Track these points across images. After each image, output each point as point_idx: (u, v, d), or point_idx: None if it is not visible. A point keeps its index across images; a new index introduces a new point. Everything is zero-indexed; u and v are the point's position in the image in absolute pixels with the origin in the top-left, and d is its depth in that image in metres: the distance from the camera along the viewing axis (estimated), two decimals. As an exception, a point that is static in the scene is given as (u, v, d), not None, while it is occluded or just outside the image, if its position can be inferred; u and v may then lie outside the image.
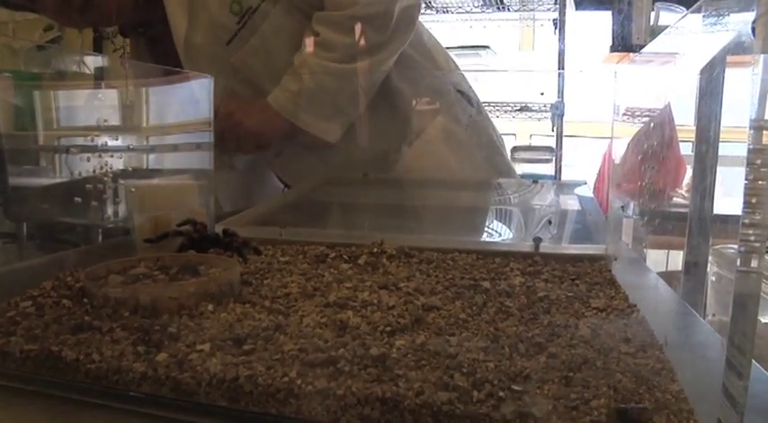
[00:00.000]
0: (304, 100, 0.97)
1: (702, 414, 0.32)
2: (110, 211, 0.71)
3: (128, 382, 0.36)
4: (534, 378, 0.35)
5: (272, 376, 0.34)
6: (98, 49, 3.56)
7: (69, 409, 0.36)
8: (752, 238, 0.32)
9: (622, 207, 0.69)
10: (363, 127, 1.03)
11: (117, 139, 0.69)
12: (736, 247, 0.32)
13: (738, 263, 0.32)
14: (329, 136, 1.00)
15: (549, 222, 0.79)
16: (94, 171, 0.65)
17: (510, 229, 0.84)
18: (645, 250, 0.98)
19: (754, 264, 0.32)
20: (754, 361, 0.32)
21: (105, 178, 0.67)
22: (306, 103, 0.97)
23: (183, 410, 0.35)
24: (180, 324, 0.41)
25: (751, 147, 0.32)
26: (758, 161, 0.32)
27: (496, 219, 0.92)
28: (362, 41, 0.96)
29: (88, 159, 0.65)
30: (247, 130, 1.00)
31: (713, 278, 1.28)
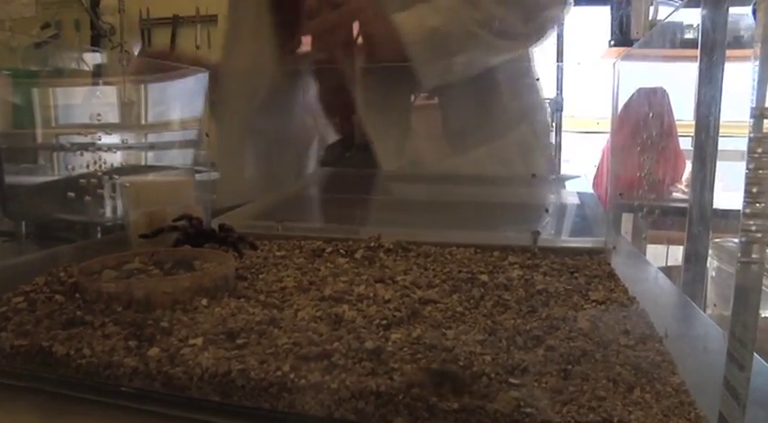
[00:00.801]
0: (428, 36, 0.93)
1: (704, 406, 0.31)
2: (107, 207, 0.70)
3: (119, 377, 0.35)
4: (532, 371, 0.34)
5: (265, 370, 0.33)
6: (96, 46, 3.56)
7: (60, 404, 0.36)
8: (753, 228, 0.31)
9: (621, 194, 0.68)
10: (452, 100, 1.00)
11: (110, 134, 0.68)
12: (736, 240, 0.32)
13: (739, 254, 0.31)
14: (425, 80, 0.96)
15: (546, 211, 0.78)
16: (88, 166, 0.65)
17: (507, 222, 0.83)
18: (644, 243, 0.98)
19: (755, 254, 0.31)
20: (755, 353, 0.32)
21: (100, 173, 0.66)
22: (427, 41, 0.93)
23: (175, 405, 0.34)
24: (173, 318, 0.41)
25: (752, 135, 0.31)
26: (759, 150, 0.31)
27: (494, 212, 0.91)
28: (510, 18, 0.95)
29: (81, 154, 0.65)
30: (365, 34, 0.96)
31: (713, 273, 1.27)
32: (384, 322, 0.40)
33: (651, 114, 0.67)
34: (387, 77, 1.00)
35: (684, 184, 1.68)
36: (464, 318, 0.43)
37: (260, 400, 0.33)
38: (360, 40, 0.96)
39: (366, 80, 1.03)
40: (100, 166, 0.65)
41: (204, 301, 0.45)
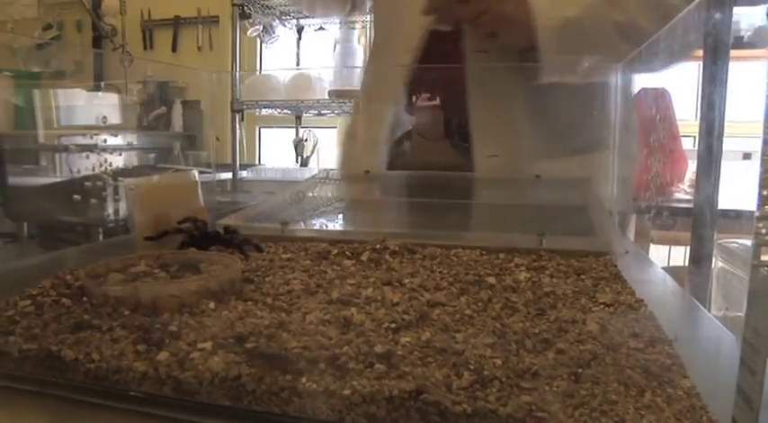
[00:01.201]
0: (562, 25, 0.88)
1: (716, 410, 0.31)
2: (110, 208, 0.70)
3: (128, 382, 0.35)
4: (543, 375, 0.34)
5: (275, 374, 0.33)
6: (97, 47, 3.57)
7: (69, 409, 0.36)
8: (764, 231, 0.31)
9: (634, 199, 0.68)
10: (559, 102, 0.95)
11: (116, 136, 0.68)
12: (740, 241, 0.32)
13: (752, 257, 0.31)
14: (546, 71, 0.91)
15: (556, 217, 0.78)
16: (94, 169, 0.65)
17: (512, 224, 0.83)
18: (648, 244, 0.97)
19: (766, 257, 0.31)
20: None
21: (106, 176, 0.66)
22: (559, 28, 0.88)
23: (185, 410, 0.34)
24: (181, 322, 0.41)
25: (765, 138, 0.31)
26: (771, 153, 0.31)
27: (499, 214, 0.91)
28: (652, 32, 0.85)
29: (87, 156, 0.65)
30: (497, 9, 0.89)
31: (718, 274, 1.27)
32: (393, 326, 0.40)
33: (654, 115, 0.67)
34: (504, 61, 0.96)
35: (687, 184, 1.68)
36: (473, 321, 0.43)
37: (270, 404, 0.32)
38: (490, 15, 0.90)
39: (482, 59, 0.97)
40: (105, 169, 0.65)
41: (211, 305, 0.45)
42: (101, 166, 0.65)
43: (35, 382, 0.37)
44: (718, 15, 0.64)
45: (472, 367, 0.34)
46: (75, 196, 0.64)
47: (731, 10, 0.74)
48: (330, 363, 0.34)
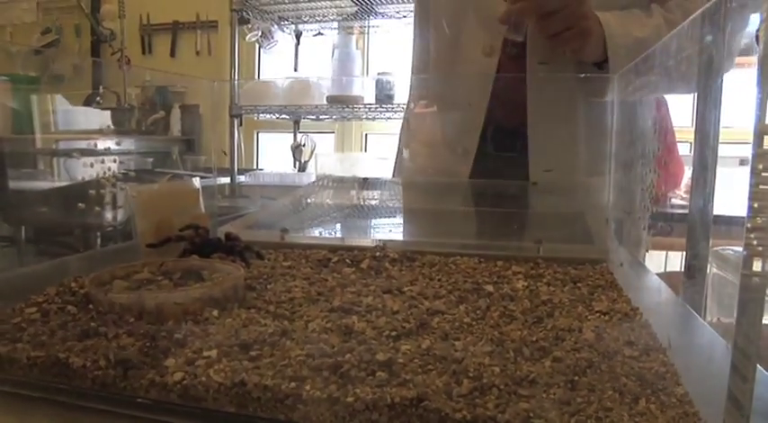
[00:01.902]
0: (631, 45, 0.87)
1: (708, 416, 0.32)
2: (110, 214, 0.70)
3: (135, 389, 0.36)
4: (540, 382, 0.35)
5: (280, 382, 0.34)
6: (96, 53, 3.58)
7: (77, 415, 0.36)
8: (754, 241, 0.32)
9: (628, 213, 0.69)
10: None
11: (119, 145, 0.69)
12: (735, 248, 0.33)
13: (741, 267, 0.32)
14: (608, 88, 0.91)
15: (553, 224, 0.79)
16: (97, 175, 0.65)
17: (510, 231, 0.84)
18: (644, 252, 0.98)
19: (756, 267, 0.32)
20: (758, 364, 0.32)
21: (113, 181, 0.66)
22: (628, 48, 0.87)
23: (191, 417, 0.35)
24: (186, 330, 0.42)
25: (754, 153, 0.32)
26: (760, 166, 0.32)
27: (496, 222, 0.92)
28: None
29: (92, 165, 0.65)
30: (580, 25, 0.88)
31: (712, 280, 1.28)
32: (394, 334, 0.41)
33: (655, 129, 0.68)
34: (565, 74, 0.96)
35: (684, 190, 1.69)
36: (471, 329, 0.44)
37: (276, 411, 0.33)
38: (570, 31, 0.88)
39: (544, 71, 0.96)
40: (108, 177, 0.66)
41: (215, 313, 0.45)
42: (104, 174, 0.66)
43: (43, 389, 0.38)
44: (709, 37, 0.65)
45: (471, 375, 0.35)
46: (80, 205, 0.65)
47: (725, 28, 0.75)
48: (333, 370, 0.35)
